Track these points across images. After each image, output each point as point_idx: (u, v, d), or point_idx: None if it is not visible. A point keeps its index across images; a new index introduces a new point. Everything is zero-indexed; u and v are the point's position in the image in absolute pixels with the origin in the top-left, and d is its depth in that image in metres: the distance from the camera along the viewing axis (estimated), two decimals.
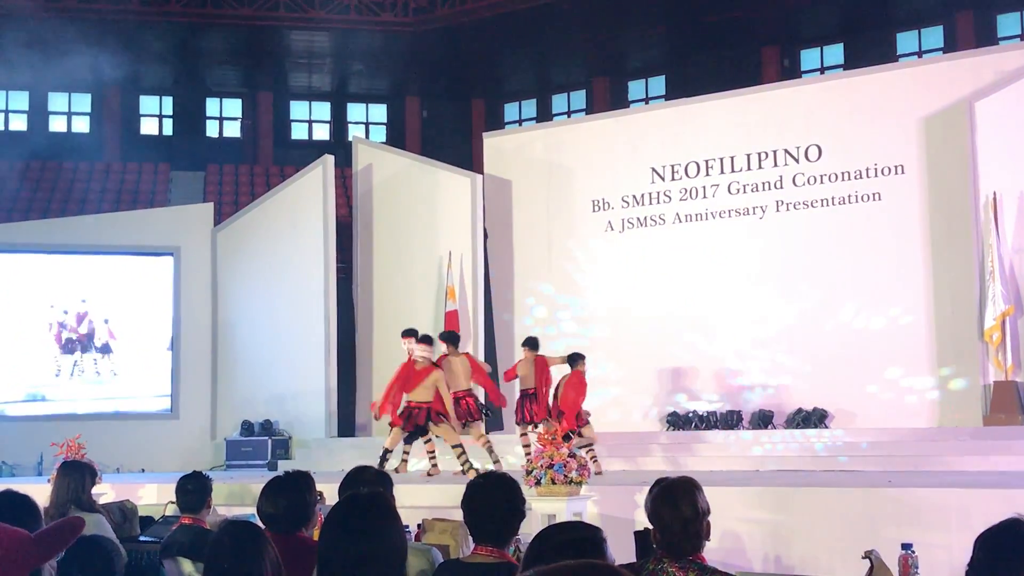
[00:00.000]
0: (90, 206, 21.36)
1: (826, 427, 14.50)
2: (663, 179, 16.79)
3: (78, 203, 21.66)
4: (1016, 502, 7.63)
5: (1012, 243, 13.61)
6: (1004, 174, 13.68)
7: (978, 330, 13.55)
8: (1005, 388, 13.17)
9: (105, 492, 10.93)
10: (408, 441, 12.73)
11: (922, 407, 14.48)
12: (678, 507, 3.79)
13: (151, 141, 24.76)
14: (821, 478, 11.01)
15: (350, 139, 21.09)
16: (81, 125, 24.74)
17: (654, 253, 16.62)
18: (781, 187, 15.90)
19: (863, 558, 4.88)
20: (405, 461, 13.05)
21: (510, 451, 13.56)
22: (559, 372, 12.95)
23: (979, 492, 8.51)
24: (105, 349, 17.77)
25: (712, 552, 4.07)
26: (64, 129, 24.64)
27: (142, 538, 7.80)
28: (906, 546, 4.83)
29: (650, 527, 3.93)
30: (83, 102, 24.67)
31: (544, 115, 24.56)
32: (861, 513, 8.78)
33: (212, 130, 25.65)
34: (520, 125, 24.22)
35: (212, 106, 25.60)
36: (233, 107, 25.72)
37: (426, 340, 12.72)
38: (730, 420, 15.23)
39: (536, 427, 12.27)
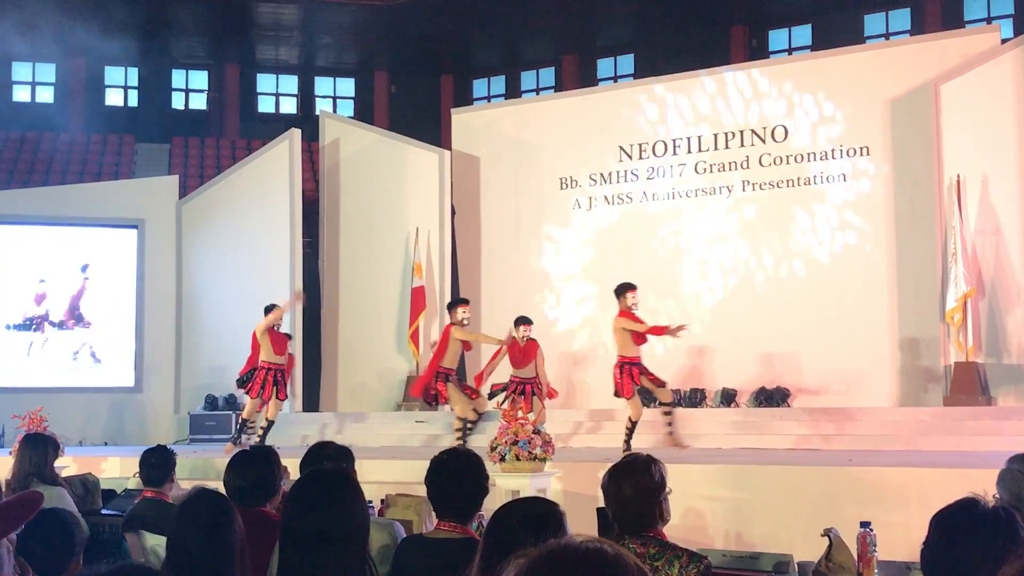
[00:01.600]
0: (54, 177, 21.16)
1: (788, 406, 14.61)
2: (631, 158, 16.82)
3: (41, 174, 21.44)
4: (975, 482, 7.70)
5: (975, 225, 13.73)
6: (968, 157, 13.79)
7: (940, 311, 13.67)
8: (966, 369, 13.29)
9: (67, 465, 10.86)
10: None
11: (883, 387, 14.61)
12: (621, 486, 3.83)
13: (116, 112, 24.55)
14: (782, 456, 11.09)
15: (317, 113, 20.98)
16: (45, 95, 24.48)
17: (621, 231, 16.65)
18: (748, 167, 15.96)
19: (822, 535, 4.93)
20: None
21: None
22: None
23: (938, 472, 8.59)
24: (65, 324, 17.63)
25: (674, 529, 4.10)
26: (28, 99, 24.37)
27: (104, 511, 7.77)
28: (864, 524, 4.87)
29: None
30: (47, 72, 24.41)
31: (513, 92, 24.50)
32: (821, 491, 8.86)
33: (178, 102, 25.45)
34: (489, 102, 24.17)
35: (178, 78, 25.39)
36: (199, 79, 25.52)
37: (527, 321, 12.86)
38: (694, 398, 15.32)
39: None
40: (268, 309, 13.36)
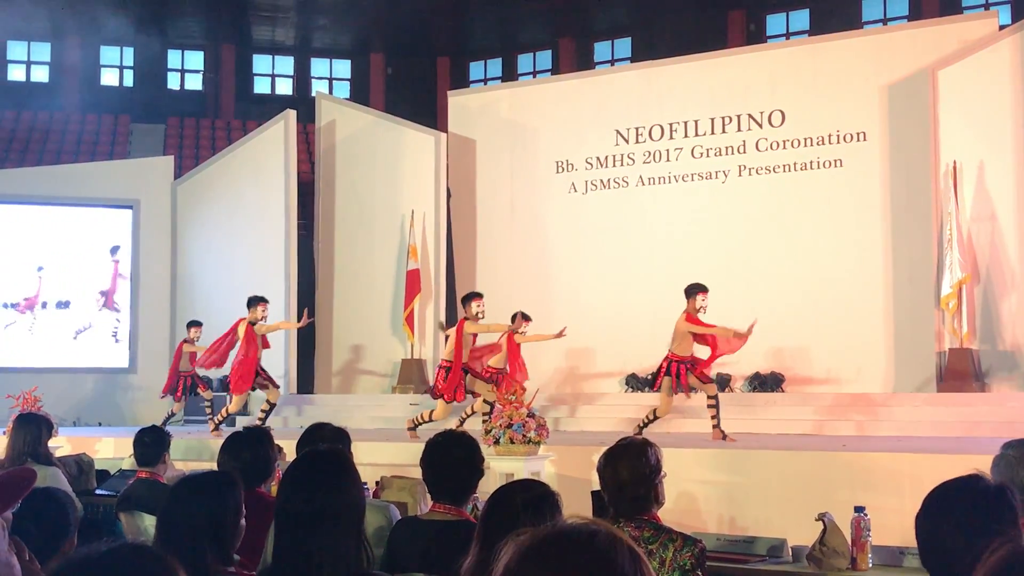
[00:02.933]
0: (48, 157, 21.10)
1: (782, 391, 14.64)
2: (627, 141, 16.79)
3: (36, 154, 21.38)
4: (968, 467, 7.71)
5: (970, 212, 13.73)
6: (964, 143, 13.78)
7: (935, 297, 13.68)
8: (960, 355, 13.31)
9: (61, 445, 10.86)
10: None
11: (878, 372, 14.62)
12: (617, 470, 3.84)
13: (111, 92, 24.47)
14: (776, 441, 11.12)
15: (313, 94, 20.93)
16: (40, 75, 24.40)
17: (617, 215, 16.63)
18: (744, 152, 15.95)
19: (816, 520, 4.93)
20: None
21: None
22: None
23: (932, 457, 8.61)
24: (61, 304, 17.62)
25: (667, 513, 4.11)
26: (23, 78, 24.29)
27: (98, 491, 7.78)
28: (859, 509, 4.88)
29: None
30: (43, 51, 24.32)
31: (509, 75, 24.46)
32: (815, 476, 8.88)
33: (174, 83, 25.38)
34: (485, 84, 24.12)
35: (174, 58, 25.32)
36: (195, 60, 25.45)
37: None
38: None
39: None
40: (256, 301, 13.29)
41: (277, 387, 13.42)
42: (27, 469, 2.74)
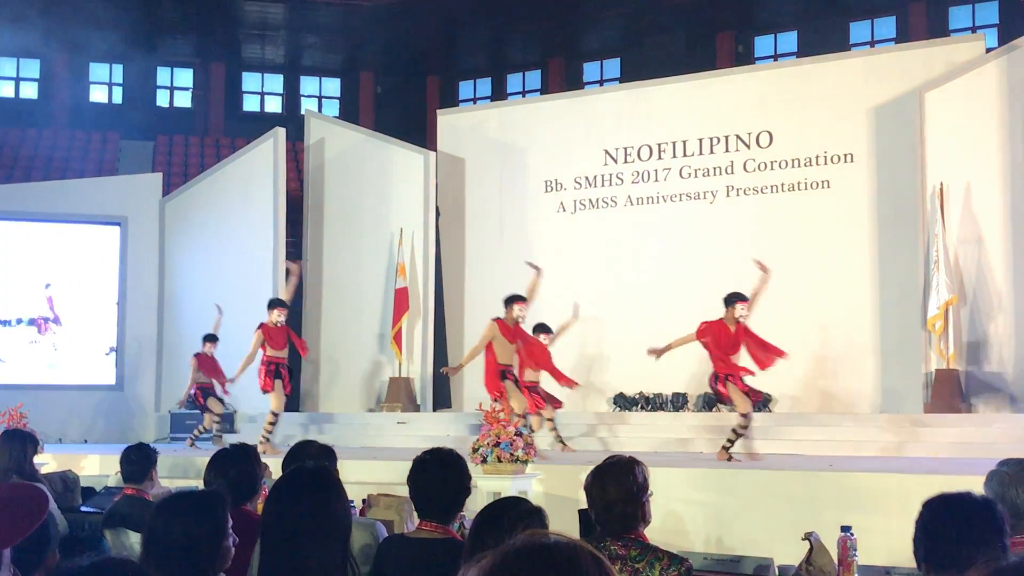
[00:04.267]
0: (37, 173, 21.07)
1: (770, 411, 14.64)
2: (616, 161, 16.83)
3: (24, 170, 21.35)
4: (954, 488, 7.74)
5: (957, 233, 13.78)
6: (951, 165, 13.84)
7: (922, 318, 13.71)
8: (946, 376, 13.34)
9: (47, 462, 10.83)
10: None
11: (864, 393, 14.65)
12: (605, 488, 3.85)
13: (100, 109, 24.44)
14: (764, 461, 11.11)
15: (302, 112, 20.95)
16: (29, 91, 24.37)
17: (605, 235, 16.66)
18: (732, 172, 16.00)
19: (803, 540, 4.94)
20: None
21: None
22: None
23: (918, 478, 8.62)
24: (50, 320, 17.57)
25: (654, 532, 4.11)
26: (12, 95, 24.26)
27: (84, 508, 7.74)
28: (845, 529, 4.89)
29: None
30: (32, 68, 24.30)
31: (499, 94, 24.52)
32: (802, 496, 8.89)
33: (163, 100, 25.36)
34: (475, 103, 24.16)
35: (163, 75, 25.30)
36: (184, 77, 25.45)
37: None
38: (677, 402, 15.35)
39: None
40: (273, 305, 13.46)
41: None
42: (35, 488, 2.69)
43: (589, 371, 16.14)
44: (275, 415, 13.25)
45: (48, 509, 2.62)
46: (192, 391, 14.72)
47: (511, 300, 12.14)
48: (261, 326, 13.32)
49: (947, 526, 2.92)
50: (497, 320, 12.02)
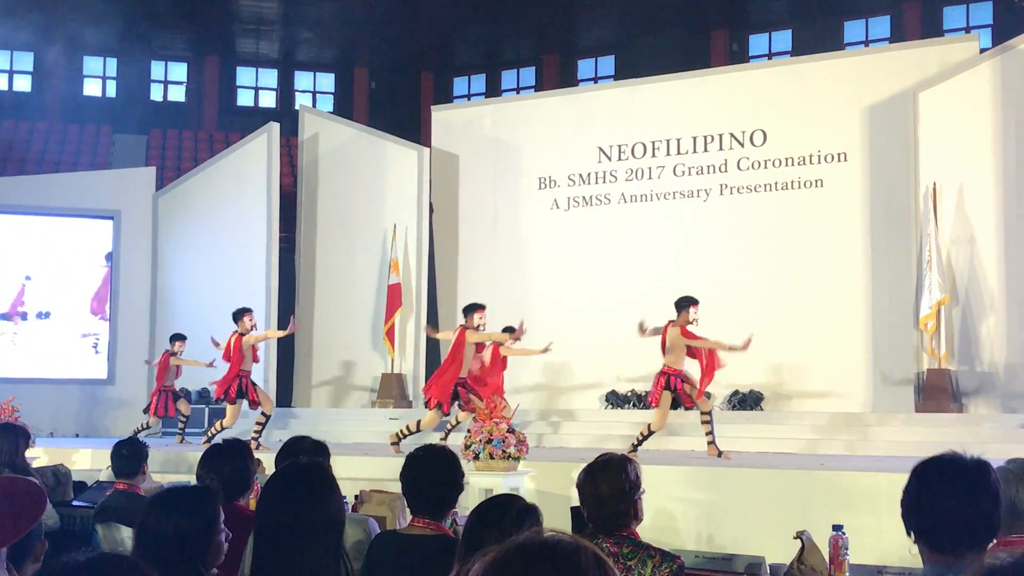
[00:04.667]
0: (30, 167, 21.02)
1: (761, 409, 14.67)
2: (609, 159, 16.84)
3: (17, 163, 21.31)
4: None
5: (950, 233, 13.81)
6: (944, 165, 13.87)
7: (914, 318, 13.74)
8: (938, 376, 13.37)
9: (38, 456, 10.83)
10: None
11: (856, 392, 14.67)
12: (597, 485, 3.86)
13: (94, 103, 24.40)
14: (755, 460, 11.13)
15: (297, 108, 20.93)
16: (23, 84, 24.31)
17: (598, 232, 16.67)
18: (726, 171, 16.01)
19: (794, 538, 4.95)
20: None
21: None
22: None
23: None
24: (42, 315, 17.55)
25: (646, 530, 4.12)
26: (5, 87, 24.20)
27: (75, 502, 7.74)
28: (837, 528, 4.91)
29: None
30: (25, 61, 24.23)
31: (493, 91, 24.50)
32: (793, 495, 8.90)
33: (157, 94, 25.31)
34: (469, 100, 24.15)
35: (157, 69, 25.25)
36: (179, 71, 25.39)
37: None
38: None
39: None
40: (242, 313, 13.22)
41: (269, 400, 13.39)
42: (33, 485, 2.67)
43: (580, 368, 16.15)
44: (265, 416, 13.14)
45: (46, 507, 2.62)
46: (156, 402, 14.60)
47: (472, 308, 12.28)
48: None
49: (937, 488, 2.87)
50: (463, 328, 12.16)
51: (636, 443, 11.25)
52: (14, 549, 3.62)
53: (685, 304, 11.34)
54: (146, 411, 14.88)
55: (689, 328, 11.19)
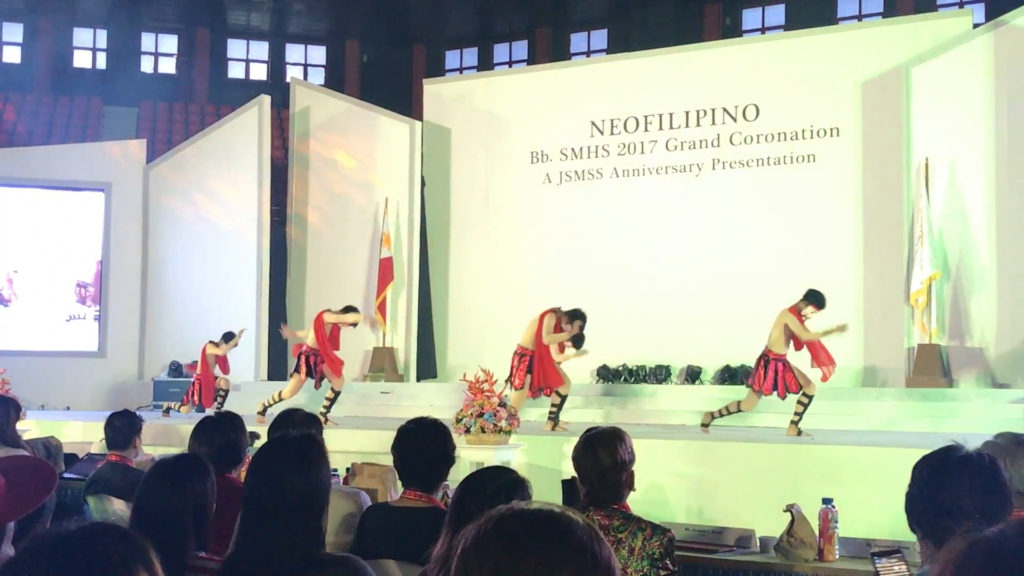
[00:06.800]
0: (19, 138, 20.91)
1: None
2: (602, 133, 16.81)
3: (7, 135, 21.20)
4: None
5: (942, 209, 13.82)
6: (937, 140, 13.87)
7: (905, 293, 13.76)
8: (928, 351, 13.41)
9: (29, 428, 10.80)
10: None
11: (847, 366, 14.69)
12: (598, 457, 3.86)
13: (84, 75, 24.26)
14: (745, 433, 11.16)
15: (288, 80, 20.84)
16: (12, 55, 24.16)
17: (591, 207, 16.65)
18: (718, 145, 15.99)
19: (784, 511, 4.97)
20: None
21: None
22: None
23: (899, 452, 8.67)
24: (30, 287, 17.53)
25: (636, 503, 4.13)
26: None
27: (66, 475, 7.75)
28: (826, 501, 4.93)
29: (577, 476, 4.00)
30: (15, 32, 24.08)
31: (485, 64, 24.41)
32: (783, 468, 8.94)
33: (147, 66, 25.18)
34: (461, 73, 24.06)
35: (148, 41, 25.10)
36: (169, 43, 25.25)
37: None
38: (659, 374, 15.40)
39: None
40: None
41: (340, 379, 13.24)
42: (46, 466, 2.65)
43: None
44: (334, 392, 13.01)
45: (55, 488, 2.61)
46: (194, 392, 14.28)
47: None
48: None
49: (947, 485, 2.84)
50: None
51: (715, 415, 11.09)
52: (17, 527, 3.62)
53: (811, 299, 11.04)
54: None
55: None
